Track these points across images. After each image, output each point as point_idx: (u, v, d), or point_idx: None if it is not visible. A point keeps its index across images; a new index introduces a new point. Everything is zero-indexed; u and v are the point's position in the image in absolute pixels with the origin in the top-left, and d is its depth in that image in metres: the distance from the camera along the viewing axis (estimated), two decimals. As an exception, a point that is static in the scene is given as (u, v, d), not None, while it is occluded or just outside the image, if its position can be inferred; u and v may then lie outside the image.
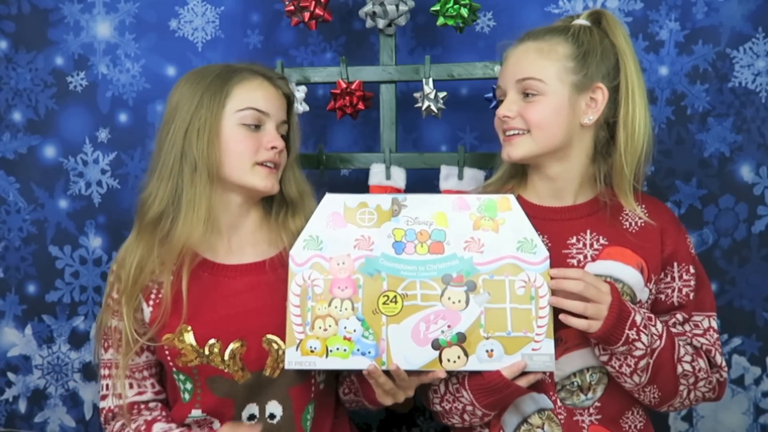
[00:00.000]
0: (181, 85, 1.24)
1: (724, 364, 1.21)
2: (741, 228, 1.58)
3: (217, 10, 1.69)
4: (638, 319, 1.10)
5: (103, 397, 1.25)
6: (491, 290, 1.11)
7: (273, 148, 1.22)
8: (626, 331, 1.09)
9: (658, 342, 1.12)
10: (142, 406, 1.24)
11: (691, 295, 1.21)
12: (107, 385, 1.24)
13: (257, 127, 1.21)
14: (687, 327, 1.21)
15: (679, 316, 1.21)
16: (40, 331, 1.77)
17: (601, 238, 1.19)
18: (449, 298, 1.11)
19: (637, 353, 1.11)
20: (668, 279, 1.21)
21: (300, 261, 1.15)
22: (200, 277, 1.20)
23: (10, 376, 1.78)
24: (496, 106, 1.46)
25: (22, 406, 1.78)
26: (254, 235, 1.26)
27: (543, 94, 1.16)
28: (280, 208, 1.30)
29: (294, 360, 1.11)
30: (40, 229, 1.75)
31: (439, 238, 1.14)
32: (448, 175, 1.49)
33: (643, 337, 1.10)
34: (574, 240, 1.20)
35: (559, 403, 1.17)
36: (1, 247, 1.76)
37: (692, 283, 1.21)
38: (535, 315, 1.11)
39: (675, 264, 1.21)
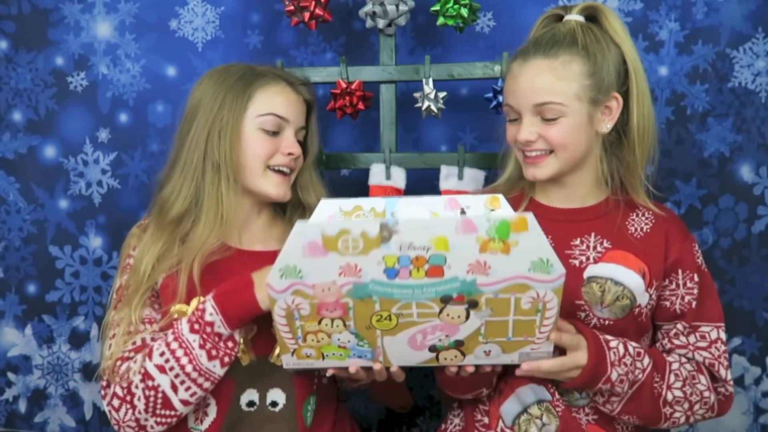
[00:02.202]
0: (204, 83, 1.25)
1: (729, 377, 1.20)
2: (741, 228, 1.58)
3: (217, 10, 1.69)
4: (614, 376, 1.11)
5: (108, 358, 1.16)
6: (494, 307, 1.02)
7: (290, 154, 1.24)
8: (600, 385, 1.11)
9: (640, 376, 1.13)
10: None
11: (693, 304, 1.20)
12: (115, 344, 1.16)
13: (276, 132, 1.23)
14: (692, 339, 1.20)
15: (680, 326, 1.21)
16: (40, 331, 1.77)
17: (605, 241, 1.20)
18: (448, 315, 1.03)
19: (613, 399, 1.14)
20: (672, 286, 1.21)
21: (279, 288, 1.01)
22: (215, 261, 1.21)
23: (10, 376, 1.78)
24: (496, 107, 1.46)
25: (22, 406, 1.78)
26: (264, 233, 1.29)
27: (563, 116, 1.14)
28: (295, 209, 1.33)
29: (291, 362, 1.09)
30: (40, 229, 1.75)
31: (438, 262, 0.98)
32: (448, 175, 1.49)
33: (618, 389, 1.12)
34: (577, 242, 1.20)
35: (557, 396, 1.18)
36: (1, 247, 1.76)
37: (695, 291, 1.21)
38: (539, 324, 1.04)
39: (679, 271, 1.21)
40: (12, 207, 1.76)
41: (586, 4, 1.22)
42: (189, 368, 1.10)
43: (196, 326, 1.10)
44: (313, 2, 1.47)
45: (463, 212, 1.08)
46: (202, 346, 1.10)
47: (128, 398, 1.11)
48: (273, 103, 1.23)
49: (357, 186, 1.58)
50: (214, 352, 1.11)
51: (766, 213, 1.57)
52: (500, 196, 1.10)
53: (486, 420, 1.22)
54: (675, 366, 1.17)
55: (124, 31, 1.71)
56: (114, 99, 1.72)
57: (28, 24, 1.72)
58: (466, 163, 1.49)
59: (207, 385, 1.13)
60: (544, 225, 1.17)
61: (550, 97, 1.14)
